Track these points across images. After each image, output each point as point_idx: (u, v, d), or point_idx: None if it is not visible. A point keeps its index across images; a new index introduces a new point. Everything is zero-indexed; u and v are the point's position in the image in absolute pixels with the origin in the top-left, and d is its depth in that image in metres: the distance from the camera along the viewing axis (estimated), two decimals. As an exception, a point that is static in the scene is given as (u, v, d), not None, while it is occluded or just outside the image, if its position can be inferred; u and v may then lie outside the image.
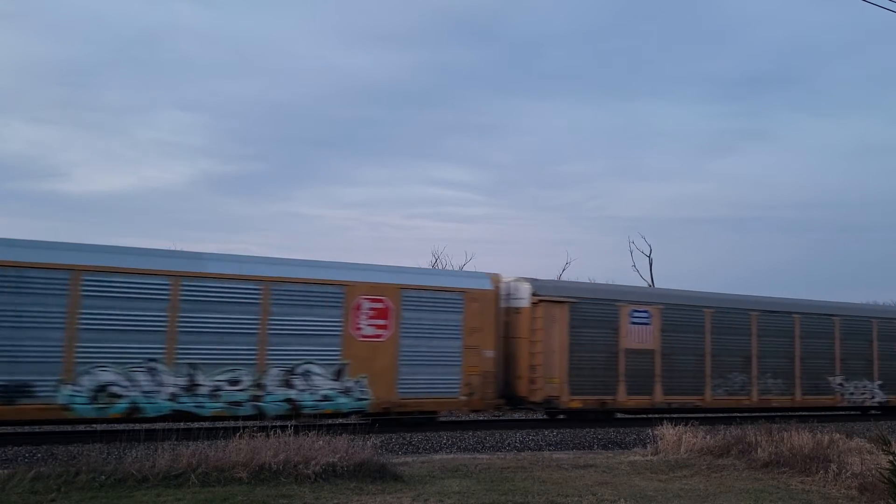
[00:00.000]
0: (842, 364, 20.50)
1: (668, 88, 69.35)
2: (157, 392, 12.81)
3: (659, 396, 17.58)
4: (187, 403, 13.01)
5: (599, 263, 75.85)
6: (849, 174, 69.40)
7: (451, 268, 34.58)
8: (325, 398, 14.13)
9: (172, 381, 12.93)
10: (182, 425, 12.85)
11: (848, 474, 9.89)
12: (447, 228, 60.19)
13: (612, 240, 73.30)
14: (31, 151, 53.40)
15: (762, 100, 70.10)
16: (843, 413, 20.64)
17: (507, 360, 16.57)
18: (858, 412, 21.18)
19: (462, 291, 15.71)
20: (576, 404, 16.63)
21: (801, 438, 11.79)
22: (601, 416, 17.22)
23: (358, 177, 62.12)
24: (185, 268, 13.32)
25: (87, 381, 12.38)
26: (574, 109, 69.92)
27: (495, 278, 16.38)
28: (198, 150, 59.99)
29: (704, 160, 68.53)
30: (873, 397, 21.09)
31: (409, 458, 11.58)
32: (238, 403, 13.41)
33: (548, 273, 44.54)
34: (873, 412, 21.40)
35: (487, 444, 14.36)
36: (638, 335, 17.51)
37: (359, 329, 14.58)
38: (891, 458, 7.29)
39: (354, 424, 13.05)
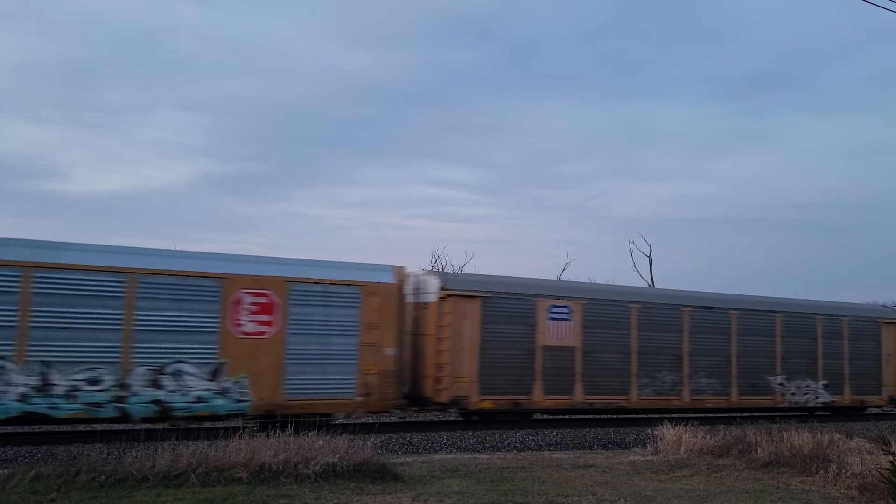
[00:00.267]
0: (783, 363, 19.61)
1: (668, 88, 69.39)
2: (4, 393, 11.83)
3: (579, 396, 16.67)
4: (39, 405, 12.03)
5: (599, 263, 75.95)
6: (849, 174, 69.43)
7: (450, 268, 34.57)
8: (199, 399, 13.14)
9: (23, 381, 11.95)
10: (182, 425, 12.87)
11: (848, 474, 9.89)
12: (447, 228, 60.21)
13: (612, 240, 73.36)
14: (31, 151, 53.42)
15: (762, 100, 70.14)
16: (783, 414, 19.16)
17: (417, 358, 15.78)
18: (805, 412, 20.00)
19: (359, 285, 14.59)
20: (486, 405, 15.73)
21: (801, 438, 11.79)
22: (516, 417, 16.28)
23: (358, 177, 62.15)
24: (39, 258, 12.29)
25: None
26: (574, 109, 69.96)
27: (399, 271, 15.35)
28: (198, 150, 60.03)
29: (704, 160, 68.57)
30: (817, 398, 20.17)
31: (409, 458, 11.59)
32: (98, 405, 12.41)
33: (548, 273, 44.59)
34: (821, 413, 20.49)
35: (487, 444, 14.37)
36: (557, 331, 16.57)
37: (239, 325, 13.54)
38: (891, 458, 7.29)
39: (354, 424, 13.07)
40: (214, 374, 13.32)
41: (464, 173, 63.99)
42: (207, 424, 13.24)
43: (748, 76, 67.22)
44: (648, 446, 13.14)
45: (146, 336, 12.85)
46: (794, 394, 19.74)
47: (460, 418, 16.60)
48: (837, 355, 20.53)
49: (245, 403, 13.49)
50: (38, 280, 12.23)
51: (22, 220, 53.73)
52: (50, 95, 55.66)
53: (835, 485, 9.76)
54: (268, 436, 9.71)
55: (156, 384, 12.85)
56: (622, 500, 8.62)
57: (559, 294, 17.02)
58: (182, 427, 12.81)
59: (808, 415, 19.72)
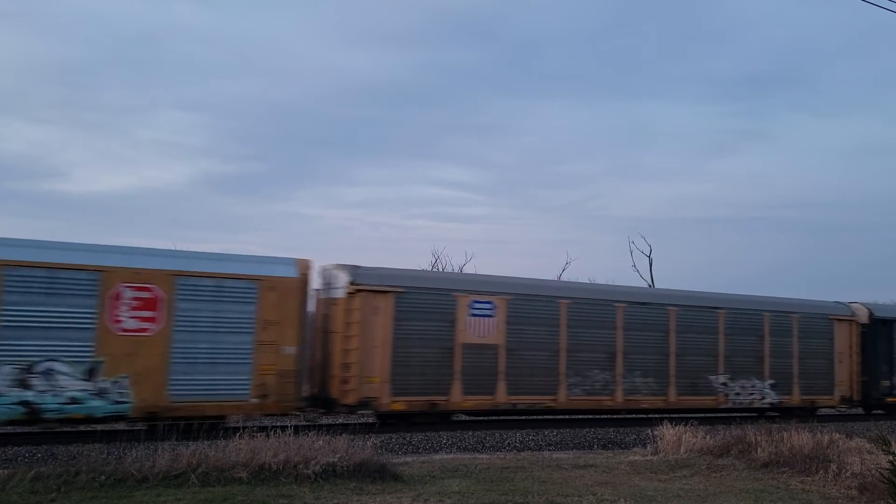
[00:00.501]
0: (726, 361, 18.73)
1: (668, 88, 69.40)
2: None
3: (502, 396, 15.85)
4: None
5: (599, 263, 76.01)
6: (849, 174, 69.44)
7: (450, 268, 34.56)
8: (73, 401, 12.29)
9: None
10: (182, 425, 12.86)
11: (848, 474, 9.90)
12: (447, 228, 60.23)
13: (612, 240, 73.38)
14: (31, 151, 53.43)
15: (762, 100, 70.13)
16: (727, 415, 18.66)
17: (327, 357, 15.02)
18: (755, 413, 19.29)
19: (256, 279, 13.72)
20: (399, 406, 14.86)
21: (801, 438, 11.80)
22: (433, 419, 15.35)
23: (358, 177, 62.16)
24: None
25: None
26: (574, 109, 69.97)
27: (304, 264, 14.42)
28: (198, 150, 60.03)
29: (704, 160, 68.58)
30: (763, 398, 19.28)
31: (409, 458, 11.59)
32: None
33: (547, 273, 44.61)
34: (771, 413, 19.64)
35: (487, 444, 14.36)
36: (479, 328, 15.74)
37: (119, 322, 12.68)
38: (891, 458, 7.29)
39: (355, 424, 13.06)
40: (90, 374, 12.50)
41: (464, 173, 64.04)
42: (83, 427, 13.01)
43: (748, 76, 67.25)
44: (648, 446, 13.15)
45: (12, 332, 12.06)
46: (738, 394, 18.90)
47: (376, 421, 15.25)
48: (786, 353, 19.75)
49: (125, 405, 12.67)
50: None
51: (22, 220, 53.78)
52: (50, 95, 55.69)
53: (835, 485, 9.76)
54: (268, 436, 9.72)
55: (23, 384, 12.06)
56: (622, 500, 8.62)
57: (481, 289, 16.14)
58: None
59: (757, 416, 19.11)
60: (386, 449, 12.60)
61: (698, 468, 10.99)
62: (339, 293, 14.81)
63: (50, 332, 12.31)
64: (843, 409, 21.45)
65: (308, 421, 14.80)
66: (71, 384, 12.35)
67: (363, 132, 63.36)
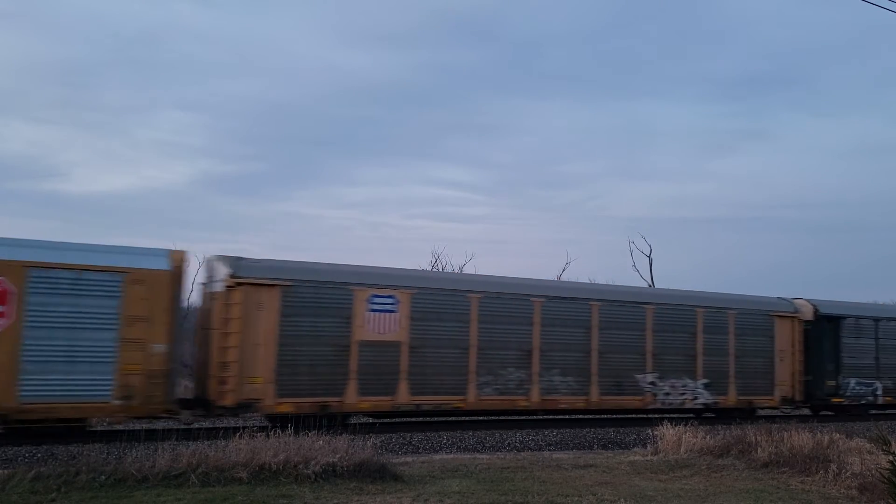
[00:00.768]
0: (655, 360, 17.69)
1: (668, 88, 69.41)
2: None
3: (404, 397, 14.90)
4: None
5: (599, 263, 75.98)
6: (849, 174, 69.49)
7: (450, 269, 34.54)
8: None
9: None
10: (182, 425, 12.86)
11: (848, 474, 9.91)
12: (447, 228, 60.26)
13: (612, 240, 73.43)
14: (31, 151, 53.46)
15: (762, 100, 70.15)
16: (659, 416, 17.47)
17: (206, 356, 14.14)
18: (692, 415, 18.37)
19: (121, 272, 12.70)
20: (285, 408, 13.83)
21: (801, 438, 11.81)
22: (326, 422, 13.73)
23: (358, 177, 62.20)
24: None
25: None
26: (574, 109, 69.99)
27: (177, 256, 13.40)
28: (198, 150, 60.05)
29: (704, 160, 68.60)
30: (696, 398, 18.23)
31: (409, 458, 11.60)
32: None
33: (547, 273, 44.59)
34: (708, 415, 18.84)
35: (487, 444, 14.37)
36: (379, 324, 14.77)
37: None
38: (891, 458, 7.28)
39: (354, 424, 13.07)
40: None
41: (464, 173, 64.05)
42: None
43: (748, 76, 67.25)
44: (648, 446, 13.16)
45: None
46: (667, 394, 17.87)
47: (266, 423, 14.11)
48: (721, 351, 18.69)
49: None
50: None
51: (22, 220, 53.79)
52: (50, 95, 55.71)
53: (835, 485, 9.77)
54: (268, 436, 9.73)
55: None
56: (622, 500, 8.62)
57: (382, 283, 15.08)
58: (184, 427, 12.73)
59: (694, 416, 18.32)
60: (386, 449, 12.60)
61: (698, 468, 11.00)
62: (219, 287, 13.84)
63: None
64: (785, 410, 20.47)
65: (185, 424, 13.81)
66: None
67: (363, 132, 63.42)
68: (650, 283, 36.41)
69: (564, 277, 35.16)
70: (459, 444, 14.27)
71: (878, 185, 68.44)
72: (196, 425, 13.52)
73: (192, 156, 60.50)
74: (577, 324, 16.97)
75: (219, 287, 13.82)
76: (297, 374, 14.02)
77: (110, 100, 57.56)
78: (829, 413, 20.66)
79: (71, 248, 12.77)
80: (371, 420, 14.92)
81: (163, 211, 55.51)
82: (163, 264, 13.14)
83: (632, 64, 68.00)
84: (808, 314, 20.28)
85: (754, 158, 68.15)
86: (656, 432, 13.26)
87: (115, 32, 55.47)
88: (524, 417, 16.97)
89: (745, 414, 18.47)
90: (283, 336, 13.95)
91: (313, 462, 9.06)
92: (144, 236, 65.81)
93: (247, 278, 13.77)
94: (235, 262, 13.90)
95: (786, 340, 19.72)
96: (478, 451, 13.59)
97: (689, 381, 18.21)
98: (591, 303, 17.19)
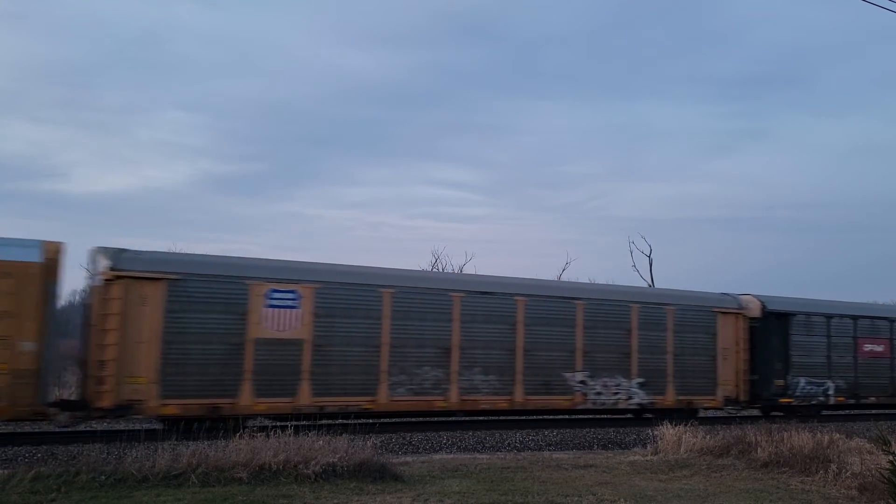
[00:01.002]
0: (585, 358, 16.97)
1: (669, 88, 69.47)
2: None
3: (306, 398, 14.13)
4: None
5: (599, 263, 76.03)
6: (849, 174, 69.52)
7: (450, 269, 34.54)
8: None
9: None
10: (182, 425, 12.85)
11: (848, 474, 9.91)
12: (447, 228, 60.31)
13: (612, 240, 73.58)
14: (31, 151, 53.48)
15: (762, 100, 70.21)
16: (591, 416, 17.65)
17: (86, 355, 13.39)
18: (630, 415, 18.01)
19: None
20: (171, 410, 13.12)
21: (801, 438, 11.82)
22: (218, 425, 13.14)
23: (358, 177, 62.30)
24: None
25: None
26: (574, 109, 70.03)
27: (52, 247, 12.62)
28: (198, 150, 60.08)
29: (704, 160, 68.66)
30: (630, 398, 17.49)
31: (409, 458, 11.61)
32: None
33: (548, 273, 44.58)
34: (647, 415, 18.19)
35: (487, 444, 14.38)
36: (278, 321, 14.05)
37: None
38: (891, 458, 7.30)
39: (354, 424, 13.07)
40: None
41: (464, 173, 64.09)
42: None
43: (749, 76, 67.27)
44: (648, 446, 13.18)
45: None
46: (599, 393, 17.13)
47: (162, 426, 13.33)
48: (659, 349, 17.91)
49: None
50: None
51: (22, 220, 53.84)
52: (50, 95, 55.73)
53: (835, 485, 9.77)
54: (268, 436, 9.73)
55: None
56: (622, 500, 8.63)
57: (282, 277, 14.31)
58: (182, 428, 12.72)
59: (633, 416, 17.98)
60: (386, 449, 12.61)
61: (698, 468, 11.01)
62: (99, 280, 13.16)
63: None
64: (731, 411, 19.80)
65: (62, 427, 13.18)
66: None
67: (363, 132, 63.47)
68: (650, 282, 36.45)
69: (564, 277, 35.19)
70: (459, 444, 14.29)
71: (878, 185, 68.54)
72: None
73: (193, 156, 60.62)
74: (500, 320, 16.23)
75: (98, 281, 13.15)
76: (184, 374, 13.31)
77: (111, 100, 57.67)
78: (779, 414, 19.91)
79: None
80: (270, 423, 13.75)
81: (163, 211, 55.58)
82: (34, 256, 12.39)
83: (632, 64, 68.10)
84: (754, 310, 19.52)
85: (754, 158, 68.28)
86: (656, 432, 13.28)
87: (115, 32, 55.57)
88: (445, 419, 16.35)
89: (685, 415, 17.78)
90: (169, 333, 13.24)
91: (313, 462, 9.07)
92: (145, 236, 65.86)
93: (128, 271, 13.06)
94: (116, 255, 13.23)
95: (729, 338, 19.01)
96: (478, 451, 13.60)
97: (622, 380, 17.52)
98: (516, 298, 16.42)
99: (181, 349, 13.31)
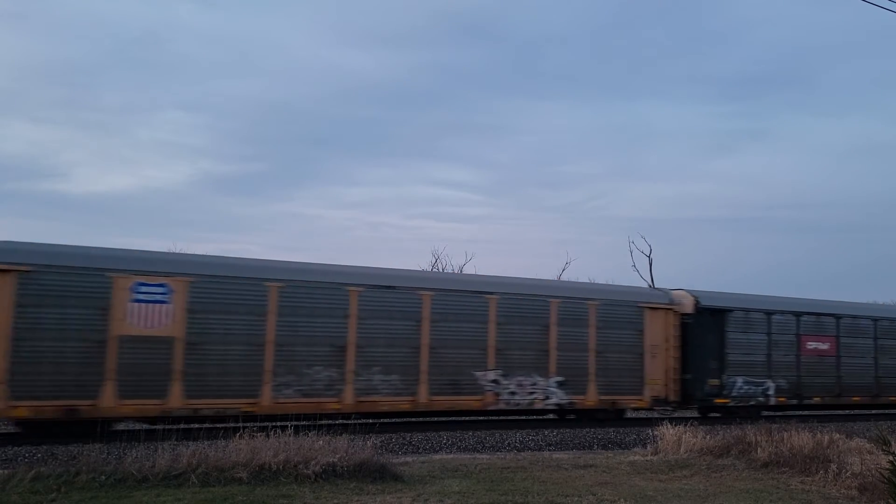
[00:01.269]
0: (498, 355, 16.01)
1: (669, 88, 69.46)
2: None
3: (178, 400, 13.20)
4: None
5: (599, 263, 75.97)
6: (849, 174, 69.53)
7: (450, 269, 34.53)
8: None
9: None
10: (182, 425, 12.85)
11: (848, 474, 9.90)
12: (447, 228, 60.29)
13: (612, 240, 73.51)
14: (31, 151, 53.47)
15: (762, 100, 70.20)
16: (504, 418, 16.87)
17: None
18: (551, 416, 17.29)
19: None
20: (22, 412, 12.24)
21: (801, 438, 11.82)
22: (75, 429, 12.45)
23: (358, 177, 62.26)
24: None
25: None
26: (574, 109, 70.04)
27: None
28: (198, 150, 60.07)
29: (704, 160, 68.65)
30: (548, 398, 16.53)
31: (409, 458, 11.60)
32: None
33: (548, 273, 44.57)
34: (570, 416, 17.40)
35: (487, 444, 14.37)
36: (146, 317, 13.09)
37: None
38: (891, 458, 7.30)
39: (355, 424, 13.06)
40: None
41: (464, 173, 64.07)
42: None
43: (749, 76, 67.26)
44: (648, 446, 13.17)
45: None
46: (513, 393, 16.20)
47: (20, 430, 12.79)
48: (579, 346, 16.93)
49: None
50: None
51: (22, 220, 53.81)
52: (50, 95, 55.73)
53: (835, 485, 9.76)
54: (268, 436, 9.73)
55: None
56: (622, 500, 8.63)
57: (150, 269, 13.32)
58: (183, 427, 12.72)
59: (557, 417, 17.29)
60: (386, 449, 12.60)
61: (698, 468, 11.00)
62: None
63: None
64: (664, 412, 18.89)
65: None
66: None
67: (363, 132, 63.45)
68: (650, 282, 36.44)
69: (564, 277, 35.17)
70: (459, 444, 14.28)
71: (878, 185, 68.53)
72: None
73: (193, 156, 60.57)
74: (403, 316, 15.25)
75: None
76: (38, 374, 12.36)
77: (111, 100, 57.64)
78: (717, 415, 19.07)
79: None
80: (143, 427, 13.35)
81: (163, 211, 55.57)
82: None
83: (632, 64, 68.09)
84: (687, 306, 18.52)
85: (754, 158, 68.25)
86: (656, 432, 13.28)
87: (115, 32, 55.56)
88: (340, 421, 15.08)
89: (609, 415, 17.24)
90: (20, 329, 12.25)
91: (313, 462, 9.07)
92: (144, 236, 65.84)
93: None
94: None
95: (658, 335, 17.93)
96: (478, 451, 13.59)
97: (539, 378, 16.51)
98: (421, 293, 15.45)
99: (33, 347, 12.35)
